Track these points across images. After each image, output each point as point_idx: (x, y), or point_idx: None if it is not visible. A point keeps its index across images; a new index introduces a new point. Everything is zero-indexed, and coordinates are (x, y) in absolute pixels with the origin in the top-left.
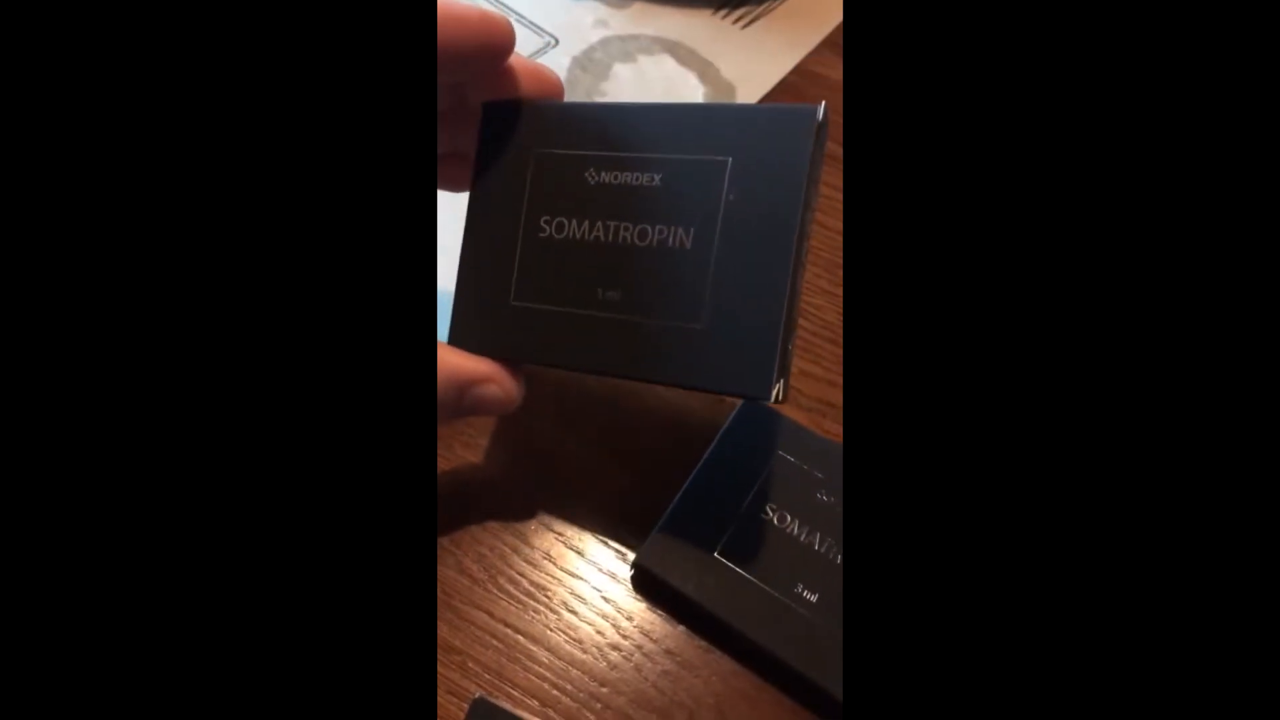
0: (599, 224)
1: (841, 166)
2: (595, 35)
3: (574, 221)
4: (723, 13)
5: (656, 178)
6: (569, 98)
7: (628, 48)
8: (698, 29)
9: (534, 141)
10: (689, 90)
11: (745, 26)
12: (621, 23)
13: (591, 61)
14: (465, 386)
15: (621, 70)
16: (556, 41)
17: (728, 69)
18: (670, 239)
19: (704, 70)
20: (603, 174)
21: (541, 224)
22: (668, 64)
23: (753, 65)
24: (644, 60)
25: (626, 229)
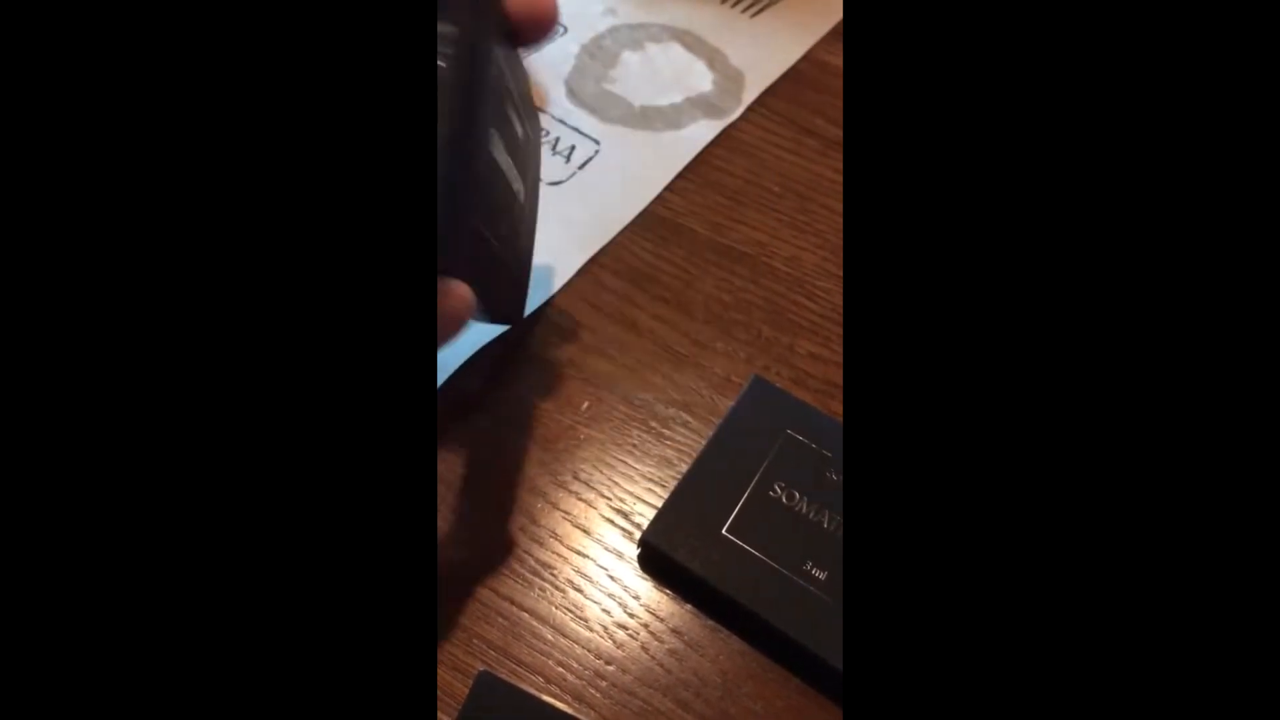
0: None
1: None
2: (604, 24)
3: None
4: (731, 0)
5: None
6: (574, 85)
7: (636, 35)
8: (706, 17)
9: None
10: (697, 78)
11: (754, 15)
12: (630, 11)
13: (600, 49)
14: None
15: (630, 58)
16: (565, 30)
17: (736, 57)
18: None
19: (712, 58)
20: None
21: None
22: (676, 52)
23: (761, 53)
24: (652, 48)
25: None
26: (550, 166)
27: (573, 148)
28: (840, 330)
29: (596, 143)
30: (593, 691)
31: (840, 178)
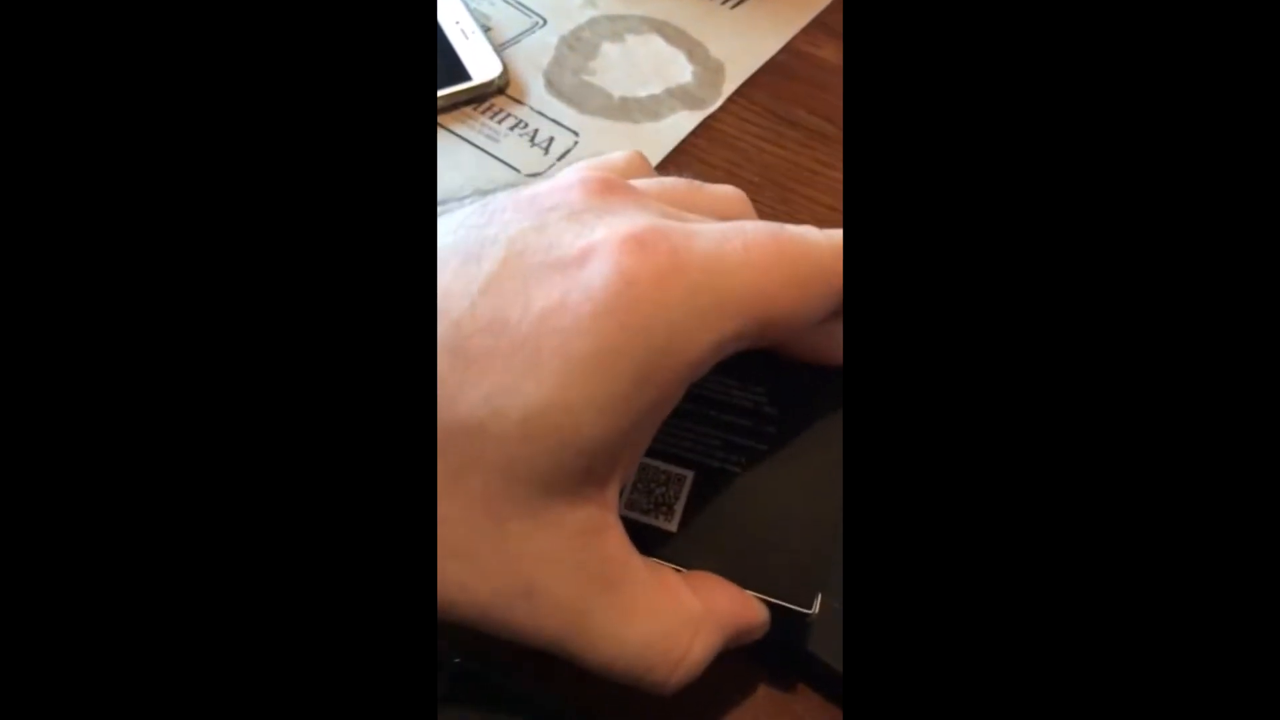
0: None
1: (824, 145)
2: (583, 15)
3: None
4: None
5: None
6: (553, 77)
7: (616, 27)
8: (686, 8)
9: None
10: (677, 69)
11: (734, 7)
12: (610, 3)
13: (579, 41)
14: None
15: (610, 50)
16: (545, 21)
17: (716, 48)
18: None
19: (692, 50)
20: None
21: None
22: (656, 43)
23: (741, 44)
24: (632, 40)
25: None
26: (528, 158)
27: (551, 139)
28: None
29: (575, 134)
30: (565, 678)
31: (821, 168)
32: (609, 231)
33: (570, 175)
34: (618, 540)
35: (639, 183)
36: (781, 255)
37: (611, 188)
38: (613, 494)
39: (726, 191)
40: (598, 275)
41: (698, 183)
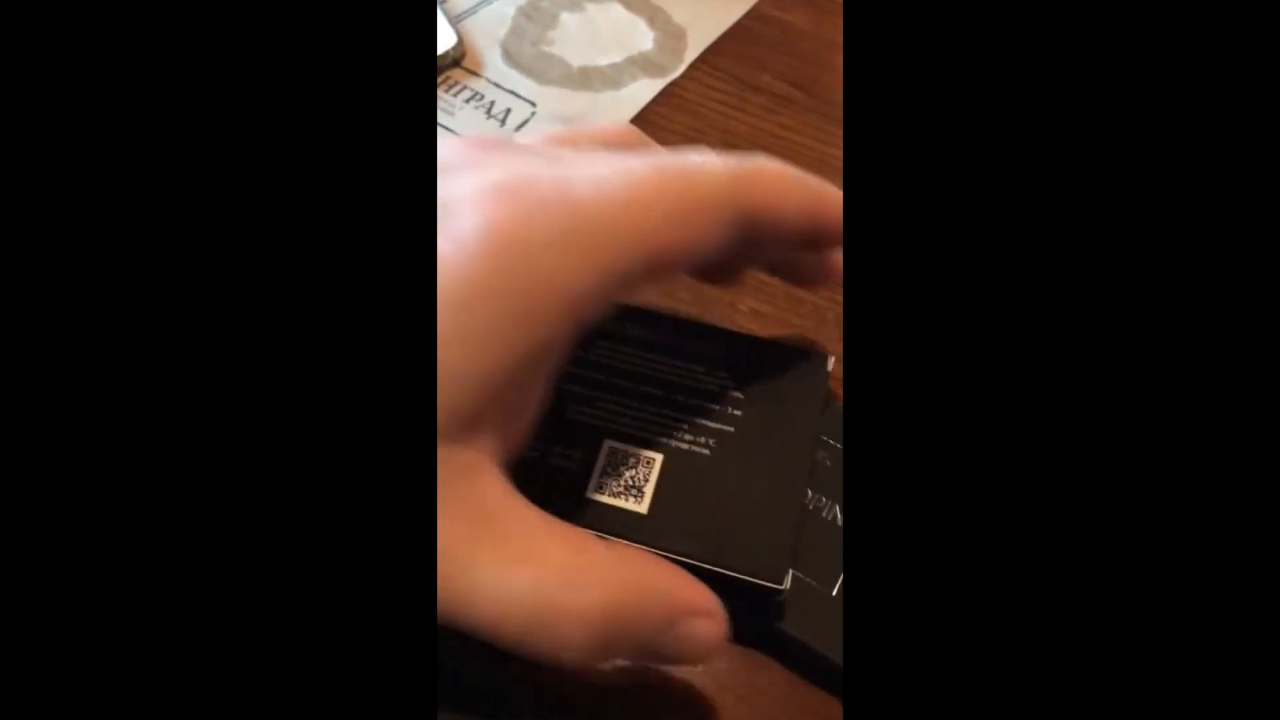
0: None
1: (790, 109)
2: None
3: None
4: None
5: None
6: (510, 48)
7: None
8: None
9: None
10: (638, 36)
11: None
12: None
13: (537, 11)
14: (678, 617)
15: (569, 19)
16: None
17: (679, 14)
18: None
19: (653, 16)
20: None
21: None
22: (616, 11)
23: (704, 10)
24: (592, 8)
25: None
26: (485, 130)
27: (508, 111)
28: (784, 287)
29: (533, 105)
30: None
31: (786, 133)
32: (478, 181)
33: (459, 138)
34: (496, 484)
35: (526, 138)
36: (665, 190)
37: (491, 144)
38: (493, 441)
39: (616, 127)
40: (467, 224)
41: (586, 127)
